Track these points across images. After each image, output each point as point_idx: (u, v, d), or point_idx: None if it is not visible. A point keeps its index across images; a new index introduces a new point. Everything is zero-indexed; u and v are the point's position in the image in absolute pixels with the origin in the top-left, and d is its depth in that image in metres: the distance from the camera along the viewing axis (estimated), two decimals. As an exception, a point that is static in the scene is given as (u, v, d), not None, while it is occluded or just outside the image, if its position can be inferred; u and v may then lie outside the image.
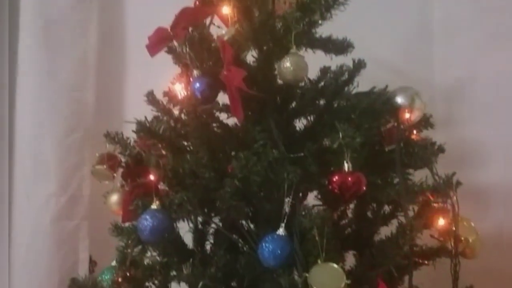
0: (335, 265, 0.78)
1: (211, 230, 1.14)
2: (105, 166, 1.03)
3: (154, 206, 0.87)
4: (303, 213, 0.83)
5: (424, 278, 1.02)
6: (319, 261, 0.78)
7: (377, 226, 1.05)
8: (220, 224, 1.06)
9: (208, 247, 1.14)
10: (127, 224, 1.13)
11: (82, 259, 1.42)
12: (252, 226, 1.10)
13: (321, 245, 0.78)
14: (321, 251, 0.78)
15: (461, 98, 1.42)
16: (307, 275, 0.77)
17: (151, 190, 0.92)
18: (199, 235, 1.14)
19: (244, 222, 1.12)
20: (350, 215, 1.14)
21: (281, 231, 0.85)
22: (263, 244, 0.83)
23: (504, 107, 1.37)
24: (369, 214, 1.09)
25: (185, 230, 1.13)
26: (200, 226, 1.13)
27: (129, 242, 1.10)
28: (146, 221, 0.83)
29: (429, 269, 1.06)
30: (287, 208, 0.88)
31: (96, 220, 1.43)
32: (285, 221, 0.85)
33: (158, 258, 1.13)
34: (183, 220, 1.06)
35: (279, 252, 0.81)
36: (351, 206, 1.15)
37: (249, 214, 1.12)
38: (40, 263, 1.38)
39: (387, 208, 1.11)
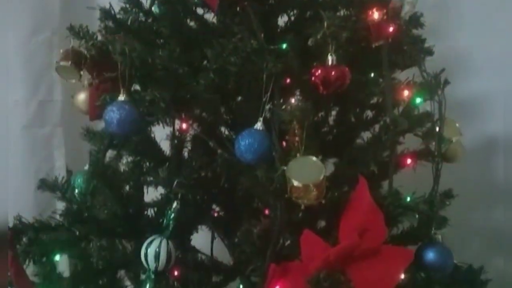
0: (314, 158, 0.72)
1: (188, 137, 1.10)
2: (69, 63, 0.94)
3: (121, 97, 0.79)
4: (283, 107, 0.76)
5: (404, 182, 1.00)
6: (298, 155, 0.73)
7: (359, 130, 1.00)
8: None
9: (185, 154, 1.10)
10: (100, 128, 1.08)
11: (58, 167, 1.35)
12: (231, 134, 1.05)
13: (300, 139, 0.72)
14: (300, 144, 0.73)
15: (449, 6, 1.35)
16: (285, 168, 0.72)
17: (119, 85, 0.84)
18: (176, 142, 1.09)
19: (222, 129, 1.08)
20: (331, 123, 1.10)
21: (258, 125, 0.77)
22: (239, 139, 0.76)
23: (493, 16, 1.30)
24: (351, 119, 1.05)
25: (161, 138, 1.10)
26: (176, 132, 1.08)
27: (101, 146, 1.05)
28: (113, 113, 0.75)
29: (410, 173, 1.03)
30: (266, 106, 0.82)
31: (73, 128, 1.37)
32: (263, 115, 0.78)
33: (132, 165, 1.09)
34: (158, 123, 1.02)
35: (256, 146, 0.74)
36: (333, 113, 1.11)
37: (227, 121, 1.07)
38: (15, 171, 1.31)
39: (370, 114, 1.07)
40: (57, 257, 0.83)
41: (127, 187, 1.01)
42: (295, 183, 0.70)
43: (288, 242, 0.88)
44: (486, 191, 1.39)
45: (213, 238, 1.12)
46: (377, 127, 1.00)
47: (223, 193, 1.06)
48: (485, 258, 1.04)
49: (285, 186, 0.73)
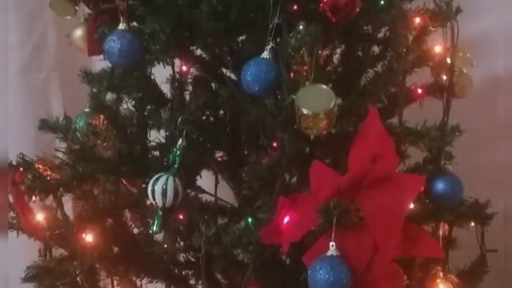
0: (324, 86, 0.70)
1: (190, 79, 1.07)
2: (64, -4, 0.89)
3: (121, 26, 0.75)
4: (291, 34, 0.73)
5: (412, 119, 0.98)
6: (307, 84, 0.71)
7: (366, 65, 0.97)
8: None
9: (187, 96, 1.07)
10: (98, 69, 1.05)
11: (56, 114, 1.33)
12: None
13: (309, 67, 0.69)
14: (309, 73, 0.70)
15: None
16: (294, 97, 0.70)
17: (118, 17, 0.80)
18: (177, 83, 1.06)
19: (225, 70, 1.05)
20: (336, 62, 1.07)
21: (265, 54, 0.74)
22: (245, 68, 0.73)
23: None
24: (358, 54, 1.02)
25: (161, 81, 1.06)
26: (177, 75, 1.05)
27: (101, 88, 1.02)
28: (114, 42, 0.71)
29: (418, 111, 1.01)
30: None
31: (69, 74, 1.33)
32: (270, 44, 0.75)
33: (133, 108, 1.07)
34: (158, 62, 0.99)
35: (262, 76, 0.71)
36: (338, 51, 1.08)
37: (230, 61, 1.04)
38: (11, 118, 1.29)
39: (377, 50, 1.04)
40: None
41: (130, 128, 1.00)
42: (305, 111, 0.67)
43: (296, 176, 0.88)
44: (488, 130, 1.38)
45: (216, 182, 1.12)
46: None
47: (227, 137, 1.05)
48: (488, 196, 1.05)
49: (293, 116, 0.71)
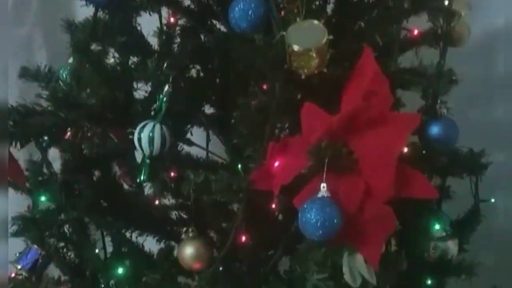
0: (316, 22, 0.66)
1: (178, 31, 1.03)
2: None
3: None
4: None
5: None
6: (298, 20, 0.67)
7: (362, 11, 0.93)
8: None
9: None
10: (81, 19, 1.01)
11: (40, 69, 1.29)
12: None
13: (301, 3, 0.66)
14: (300, 10, 0.66)
15: None
16: (284, 33, 0.66)
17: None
18: (165, 36, 1.02)
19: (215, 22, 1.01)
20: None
21: (254, -10, 0.71)
22: (233, 5, 0.68)
23: None
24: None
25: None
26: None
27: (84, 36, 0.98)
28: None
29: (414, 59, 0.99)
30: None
31: (53, 28, 1.28)
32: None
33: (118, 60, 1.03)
34: (145, 11, 0.94)
35: (251, 12, 0.67)
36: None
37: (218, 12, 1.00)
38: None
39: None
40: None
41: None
42: (295, 48, 0.63)
43: (287, 125, 0.85)
44: (486, 85, 1.36)
45: (208, 139, 1.10)
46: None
47: (216, 91, 1.02)
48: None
49: (284, 55, 0.67)
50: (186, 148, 1.02)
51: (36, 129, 0.75)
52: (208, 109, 1.09)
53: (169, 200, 1.04)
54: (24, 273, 0.85)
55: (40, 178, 0.82)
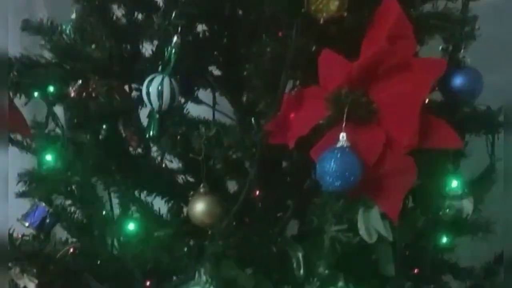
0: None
1: None
2: None
3: None
4: None
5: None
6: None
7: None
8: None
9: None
10: None
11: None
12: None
13: None
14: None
15: None
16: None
17: None
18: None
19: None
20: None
21: None
22: None
23: None
24: None
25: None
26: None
27: None
28: None
29: None
30: None
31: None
32: None
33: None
34: None
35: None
36: None
37: None
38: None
39: None
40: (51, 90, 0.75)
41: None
42: (314, -11, 0.60)
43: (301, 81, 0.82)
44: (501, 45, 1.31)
45: (214, 101, 1.06)
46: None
47: (222, 51, 0.98)
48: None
49: (301, -1, 0.64)
50: (192, 112, 1.00)
51: (40, 80, 0.72)
52: (215, 71, 1.07)
53: (177, 163, 1.03)
54: (32, 231, 0.83)
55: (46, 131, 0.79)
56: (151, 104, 0.79)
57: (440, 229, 0.90)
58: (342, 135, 0.60)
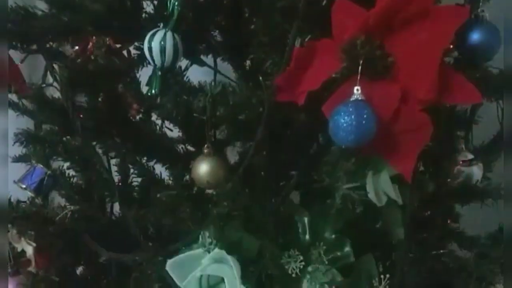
0: None
1: None
2: None
3: None
4: None
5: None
6: None
7: None
8: None
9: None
10: None
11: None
12: None
13: None
14: None
15: None
16: None
17: None
18: None
19: None
20: None
21: None
22: None
23: None
24: None
25: None
26: None
27: None
28: None
29: None
30: None
31: None
32: None
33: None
34: None
35: None
36: None
37: None
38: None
39: None
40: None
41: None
42: None
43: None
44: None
45: (216, 66, 1.02)
46: None
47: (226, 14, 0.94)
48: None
49: None
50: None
51: (37, 31, 0.68)
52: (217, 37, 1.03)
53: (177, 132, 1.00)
54: (29, 193, 0.80)
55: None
56: (153, 61, 0.75)
57: (449, 195, 0.89)
58: (357, 88, 0.57)
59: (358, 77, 0.56)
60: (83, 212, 0.84)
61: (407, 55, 0.58)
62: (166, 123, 0.97)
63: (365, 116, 0.55)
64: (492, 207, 0.87)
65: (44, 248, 0.76)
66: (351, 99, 0.57)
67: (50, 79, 0.80)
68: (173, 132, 1.00)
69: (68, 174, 0.94)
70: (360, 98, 0.56)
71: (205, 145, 0.75)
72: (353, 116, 0.55)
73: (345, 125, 0.55)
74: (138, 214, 0.77)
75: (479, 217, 0.96)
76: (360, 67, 0.56)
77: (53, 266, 0.71)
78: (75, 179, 0.94)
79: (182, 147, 1.00)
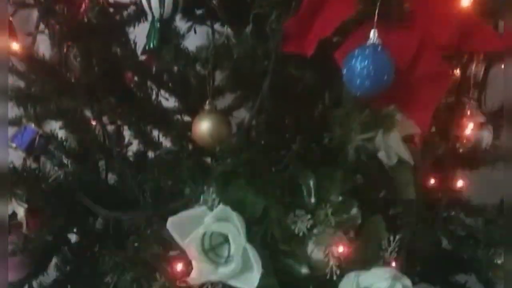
0: None
1: None
2: None
3: None
4: None
5: None
6: None
7: None
8: None
9: None
10: None
11: None
12: None
13: None
14: None
15: None
16: None
17: None
18: None
19: None
20: None
21: None
22: None
23: None
24: None
25: None
26: None
27: None
28: None
29: None
30: None
31: None
32: None
33: None
34: None
35: None
36: None
37: None
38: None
39: None
40: None
41: None
42: None
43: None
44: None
45: (213, 34, 0.98)
46: None
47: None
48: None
49: None
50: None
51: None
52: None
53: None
54: (20, 153, 0.76)
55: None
56: (151, 12, 0.71)
57: (458, 160, 0.86)
58: (373, 32, 0.53)
59: (375, 19, 0.52)
60: (77, 175, 0.80)
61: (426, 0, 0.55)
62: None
63: (382, 60, 0.51)
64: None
65: (36, 210, 0.72)
66: (368, 43, 0.53)
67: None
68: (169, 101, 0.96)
69: (61, 138, 0.90)
70: (377, 42, 0.53)
71: (207, 101, 0.72)
72: (370, 60, 0.51)
73: (361, 70, 0.51)
74: (135, 176, 0.73)
75: (485, 186, 0.94)
76: (377, 9, 0.52)
77: (46, 229, 0.67)
78: (68, 143, 0.90)
79: (178, 118, 0.96)
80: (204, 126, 0.69)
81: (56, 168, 0.85)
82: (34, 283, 0.77)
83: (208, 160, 0.76)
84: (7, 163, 0.68)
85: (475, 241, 0.86)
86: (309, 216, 0.66)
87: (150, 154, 0.92)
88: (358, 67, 0.51)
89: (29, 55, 0.82)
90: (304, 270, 0.68)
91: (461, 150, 0.84)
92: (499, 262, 0.83)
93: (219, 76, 0.86)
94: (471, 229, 0.85)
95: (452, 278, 0.95)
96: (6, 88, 0.63)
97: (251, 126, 0.72)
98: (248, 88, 0.70)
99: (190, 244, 0.60)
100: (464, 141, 0.82)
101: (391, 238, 0.69)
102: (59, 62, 0.81)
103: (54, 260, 0.83)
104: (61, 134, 0.90)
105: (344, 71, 0.53)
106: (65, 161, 0.85)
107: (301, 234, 0.66)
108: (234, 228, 0.61)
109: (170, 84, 0.90)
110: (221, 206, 0.60)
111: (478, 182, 0.92)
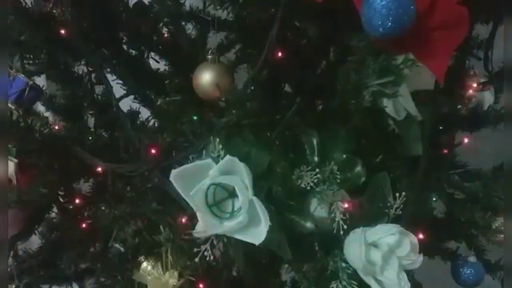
0: None
1: None
2: None
3: None
4: None
5: None
6: None
7: None
8: None
9: None
10: None
11: None
12: None
13: None
14: None
15: None
16: None
17: None
18: None
19: None
20: None
21: None
22: None
23: None
24: None
25: None
26: None
27: None
28: None
29: None
30: None
31: None
32: None
33: None
34: None
35: None
36: None
37: None
38: None
39: None
40: None
41: None
42: None
43: None
44: None
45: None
46: None
47: None
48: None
49: None
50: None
51: None
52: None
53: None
54: (10, 105, 0.71)
55: None
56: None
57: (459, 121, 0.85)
58: (394, -30, 0.50)
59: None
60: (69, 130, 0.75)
61: None
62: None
63: (402, 2, 0.49)
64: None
65: (27, 165, 0.67)
66: (387, -19, 0.50)
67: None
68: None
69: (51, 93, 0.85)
70: (396, -17, 0.50)
71: (209, 51, 0.68)
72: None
73: (381, 8, 0.48)
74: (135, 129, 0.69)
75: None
76: None
77: (40, 182, 0.62)
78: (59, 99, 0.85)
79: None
80: (207, 77, 0.66)
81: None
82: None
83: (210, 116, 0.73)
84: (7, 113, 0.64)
85: (472, 203, 0.85)
86: (313, 173, 0.64)
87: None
88: (378, 6, 0.49)
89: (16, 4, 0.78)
90: (310, 225, 0.66)
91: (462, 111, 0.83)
92: (496, 225, 0.83)
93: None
94: (470, 193, 0.85)
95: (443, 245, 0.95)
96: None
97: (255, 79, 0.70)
98: (253, 38, 0.67)
99: (195, 197, 0.58)
100: (466, 101, 0.81)
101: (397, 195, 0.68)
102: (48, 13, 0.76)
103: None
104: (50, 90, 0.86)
105: (363, 10, 0.50)
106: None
107: (307, 187, 0.64)
108: (241, 180, 0.59)
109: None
110: (228, 157, 0.57)
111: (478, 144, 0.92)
